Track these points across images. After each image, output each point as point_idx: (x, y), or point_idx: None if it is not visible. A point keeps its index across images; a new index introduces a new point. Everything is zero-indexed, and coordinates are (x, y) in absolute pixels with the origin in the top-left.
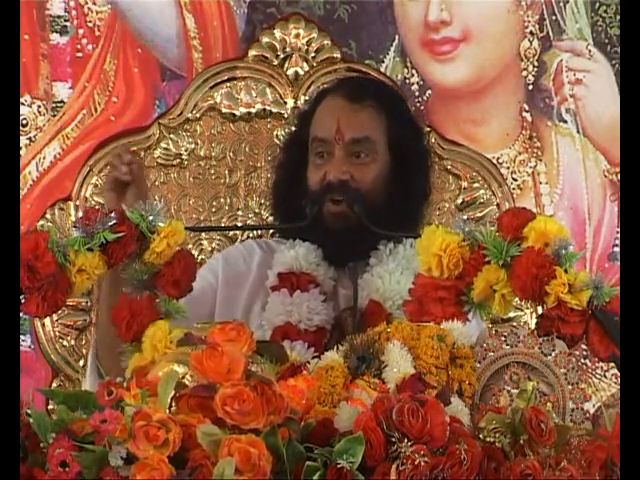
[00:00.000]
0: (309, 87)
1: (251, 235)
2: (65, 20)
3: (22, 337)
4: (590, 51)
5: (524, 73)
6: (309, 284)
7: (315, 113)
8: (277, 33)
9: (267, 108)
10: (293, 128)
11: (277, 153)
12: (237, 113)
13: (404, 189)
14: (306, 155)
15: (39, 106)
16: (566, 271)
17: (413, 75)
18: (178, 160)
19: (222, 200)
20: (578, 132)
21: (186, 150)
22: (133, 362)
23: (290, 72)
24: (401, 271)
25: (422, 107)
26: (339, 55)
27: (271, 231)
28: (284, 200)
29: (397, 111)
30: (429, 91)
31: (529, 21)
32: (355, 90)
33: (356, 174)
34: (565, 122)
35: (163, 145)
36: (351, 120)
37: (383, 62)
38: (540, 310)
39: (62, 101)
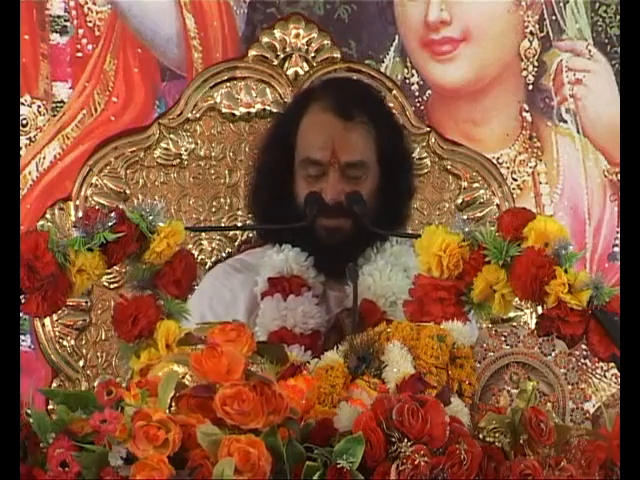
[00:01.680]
0: None
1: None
2: (65, 20)
3: (22, 337)
4: (590, 51)
5: (524, 73)
6: (301, 288)
7: (301, 122)
8: (277, 33)
9: (267, 108)
10: (274, 130)
11: (257, 155)
12: (237, 113)
13: (392, 193)
14: (290, 160)
15: (39, 106)
16: (566, 271)
17: (413, 75)
18: (178, 160)
19: (222, 200)
20: (578, 132)
21: (186, 150)
22: (145, 358)
23: (290, 72)
24: (390, 268)
25: (422, 107)
26: (339, 55)
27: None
28: (268, 204)
29: (382, 118)
30: (429, 91)
31: (529, 21)
32: (346, 104)
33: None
34: (565, 122)
35: (163, 145)
36: (345, 142)
37: (383, 62)
38: (540, 310)
39: (62, 101)
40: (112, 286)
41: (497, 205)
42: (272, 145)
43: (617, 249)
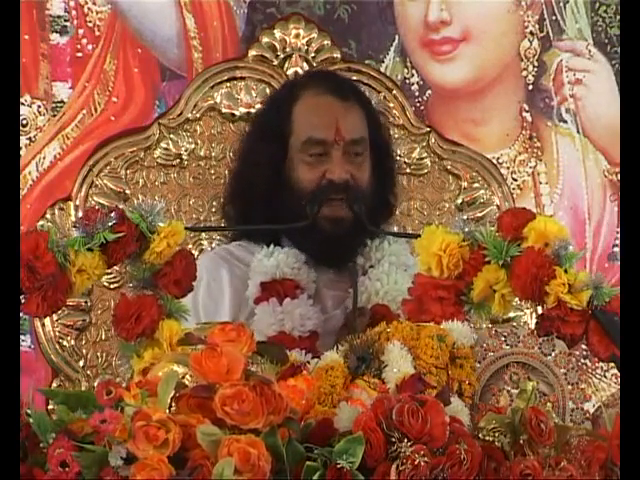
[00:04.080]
0: None
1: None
2: (65, 20)
3: (22, 337)
4: (590, 51)
5: (524, 73)
6: (295, 290)
7: (294, 110)
8: (277, 33)
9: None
10: (260, 125)
11: (242, 151)
12: (237, 113)
13: (381, 183)
14: (283, 151)
15: (39, 106)
16: (566, 271)
17: (413, 75)
18: (178, 160)
19: (222, 200)
20: (578, 132)
21: (186, 150)
22: (148, 357)
23: (290, 72)
24: (395, 269)
25: (422, 107)
26: (339, 55)
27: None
28: (259, 199)
29: (366, 102)
30: (429, 91)
31: (529, 21)
32: (340, 86)
33: (355, 173)
34: (565, 122)
35: (163, 145)
36: (347, 120)
37: (383, 62)
38: (540, 310)
39: (62, 101)
40: (112, 286)
41: (497, 205)
42: (261, 138)
43: (617, 249)
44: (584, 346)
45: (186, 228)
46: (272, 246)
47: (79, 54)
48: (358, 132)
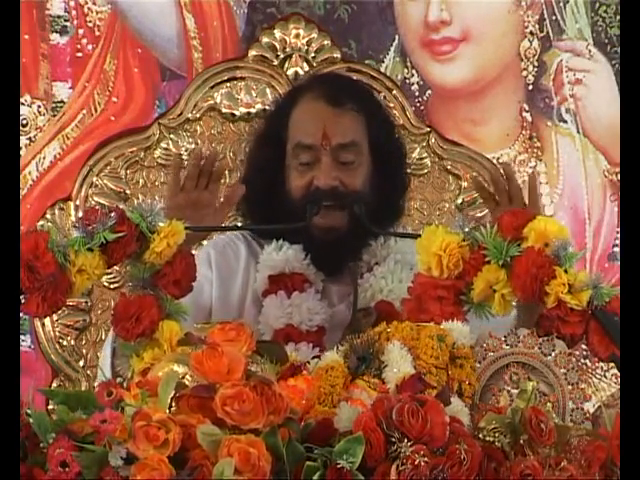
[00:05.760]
0: None
1: None
2: (65, 20)
3: (22, 337)
4: (590, 51)
5: (524, 73)
6: (304, 284)
7: (292, 115)
8: (277, 33)
9: (267, 108)
10: (263, 128)
11: (249, 153)
12: (237, 113)
13: (386, 185)
14: (282, 157)
15: (39, 106)
16: (566, 271)
17: (413, 75)
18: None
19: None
20: (578, 132)
21: (186, 150)
22: (148, 357)
23: (290, 72)
24: (400, 268)
25: (422, 107)
26: (339, 55)
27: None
28: (262, 202)
29: (373, 109)
30: (429, 91)
31: (529, 21)
32: (336, 93)
33: (345, 179)
34: (565, 122)
35: (163, 145)
36: (336, 125)
37: (383, 62)
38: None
39: (62, 101)
40: (112, 286)
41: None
42: (264, 142)
43: (617, 249)
44: (584, 346)
45: (186, 228)
46: (281, 240)
47: (79, 54)
48: (348, 136)
